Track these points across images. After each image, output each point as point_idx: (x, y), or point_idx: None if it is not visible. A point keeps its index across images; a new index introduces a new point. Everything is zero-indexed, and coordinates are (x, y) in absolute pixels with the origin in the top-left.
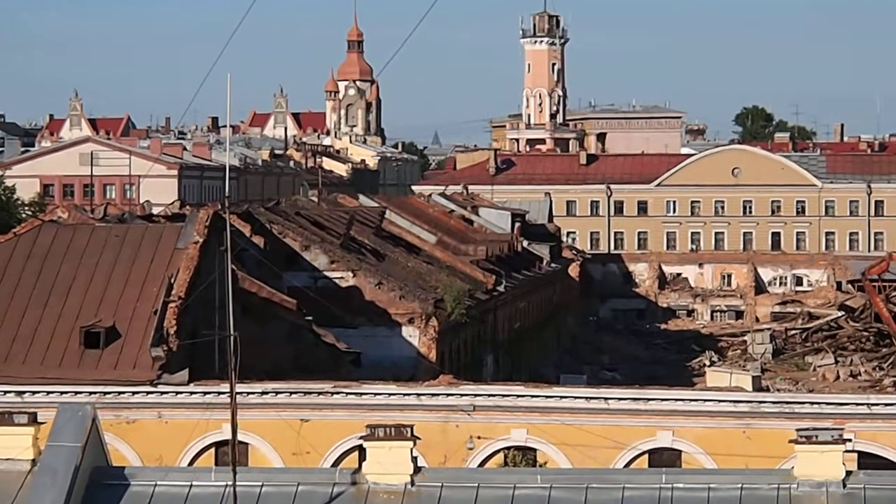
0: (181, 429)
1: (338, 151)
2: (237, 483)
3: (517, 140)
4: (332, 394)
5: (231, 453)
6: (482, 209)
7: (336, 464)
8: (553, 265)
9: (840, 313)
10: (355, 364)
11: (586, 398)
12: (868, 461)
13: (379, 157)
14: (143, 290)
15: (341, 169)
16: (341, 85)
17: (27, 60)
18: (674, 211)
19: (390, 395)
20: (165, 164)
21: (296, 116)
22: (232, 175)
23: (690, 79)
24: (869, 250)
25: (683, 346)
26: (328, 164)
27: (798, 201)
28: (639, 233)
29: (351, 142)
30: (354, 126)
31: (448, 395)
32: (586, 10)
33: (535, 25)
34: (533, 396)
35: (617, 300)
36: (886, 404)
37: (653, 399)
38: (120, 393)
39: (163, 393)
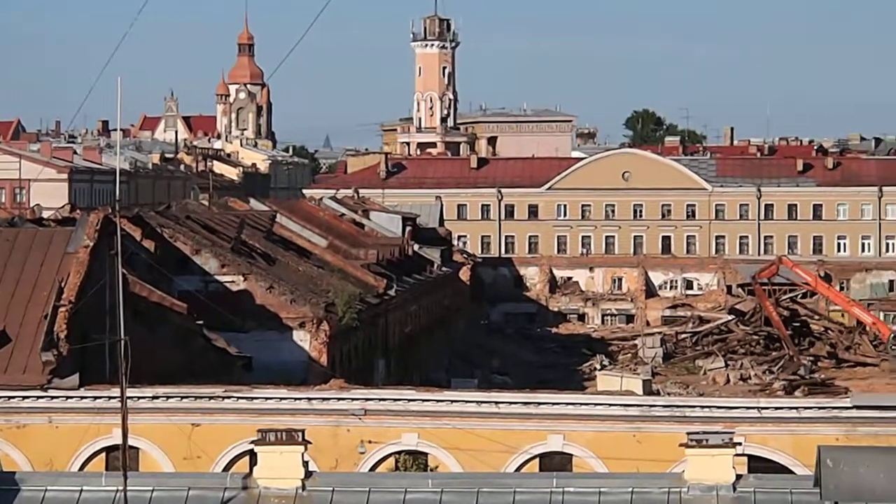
0: (72, 433)
1: (228, 155)
2: (128, 488)
3: (408, 144)
4: (223, 398)
5: (122, 458)
6: (373, 213)
7: (227, 468)
8: (444, 269)
9: (730, 317)
10: (246, 368)
11: (477, 402)
12: (758, 465)
13: (270, 161)
14: (33, 295)
15: (232, 173)
16: (232, 88)
17: None
18: (564, 214)
19: (281, 399)
20: (56, 167)
21: (186, 120)
22: (122, 179)
23: (581, 82)
24: (759, 254)
25: (574, 350)
26: (219, 167)
27: (688, 205)
28: (529, 236)
29: (242, 145)
30: (245, 129)
31: (339, 399)
32: (477, 13)
33: (425, 29)
34: (424, 401)
35: (508, 304)
36: (776, 408)
37: (543, 403)
38: (10, 398)
39: (53, 397)
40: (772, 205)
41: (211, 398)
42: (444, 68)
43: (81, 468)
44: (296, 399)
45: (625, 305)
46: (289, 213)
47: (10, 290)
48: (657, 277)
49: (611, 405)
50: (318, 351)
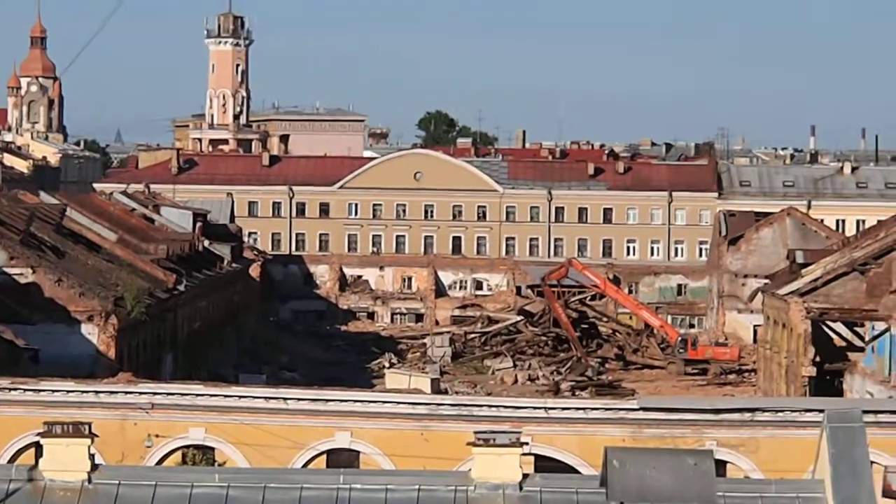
0: None
1: (19, 148)
2: None
3: (200, 140)
4: (10, 390)
5: None
6: (164, 208)
7: (12, 460)
8: (234, 265)
9: (519, 318)
10: (33, 361)
11: (265, 398)
12: (545, 464)
13: (60, 155)
14: None
15: (22, 165)
16: (23, 81)
17: None
18: (356, 213)
19: (68, 392)
20: None
21: None
22: None
23: (374, 82)
24: (549, 256)
25: (363, 348)
26: (9, 160)
27: (479, 206)
28: (320, 234)
29: (32, 138)
30: (36, 122)
31: (126, 392)
32: (271, 11)
33: (219, 26)
34: (211, 395)
35: (297, 301)
36: (563, 408)
37: (331, 400)
38: None
39: None
40: (562, 207)
41: None
42: (238, 65)
43: None
44: (83, 392)
45: (414, 305)
46: (79, 206)
47: None
48: (447, 277)
49: (399, 403)
50: (106, 344)
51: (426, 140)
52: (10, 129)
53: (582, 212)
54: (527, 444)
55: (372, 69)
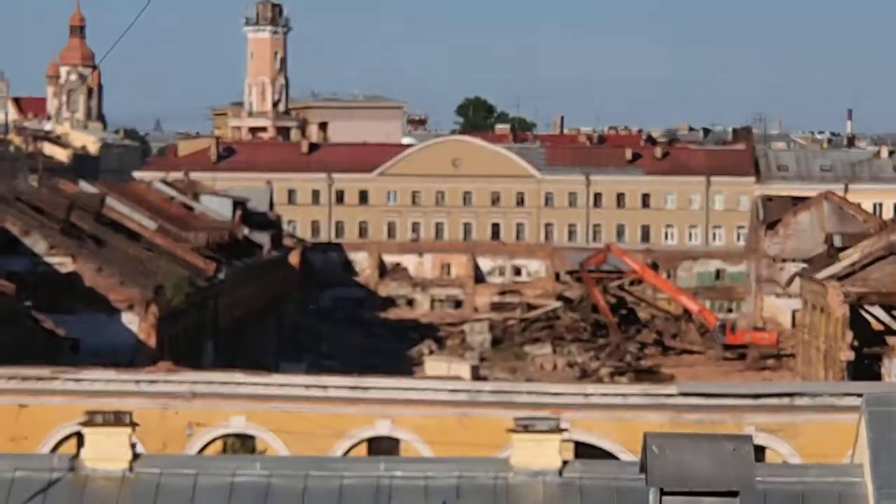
0: None
1: (58, 137)
2: None
3: (239, 128)
4: (51, 379)
5: None
6: (203, 196)
7: (54, 450)
8: (274, 253)
9: (558, 304)
10: (74, 350)
11: (305, 386)
12: (585, 451)
13: (100, 144)
14: None
15: (62, 154)
16: (63, 70)
17: None
18: (395, 200)
19: (109, 381)
20: None
21: (16, 101)
22: None
23: (413, 69)
24: (587, 242)
25: (403, 335)
26: (49, 149)
27: (518, 192)
28: (359, 222)
29: (72, 127)
30: (76, 111)
31: (167, 381)
32: None
33: (257, 13)
34: (252, 384)
35: (337, 289)
36: (603, 394)
37: (371, 387)
38: None
39: None
40: (601, 193)
41: (38, 379)
42: (276, 53)
43: None
44: (124, 381)
45: (453, 291)
46: (118, 195)
47: None
48: (486, 264)
49: (438, 390)
50: (147, 333)
51: (464, 126)
52: (49, 118)
53: (620, 197)
54: (566, 430)
55: (410, 56)
